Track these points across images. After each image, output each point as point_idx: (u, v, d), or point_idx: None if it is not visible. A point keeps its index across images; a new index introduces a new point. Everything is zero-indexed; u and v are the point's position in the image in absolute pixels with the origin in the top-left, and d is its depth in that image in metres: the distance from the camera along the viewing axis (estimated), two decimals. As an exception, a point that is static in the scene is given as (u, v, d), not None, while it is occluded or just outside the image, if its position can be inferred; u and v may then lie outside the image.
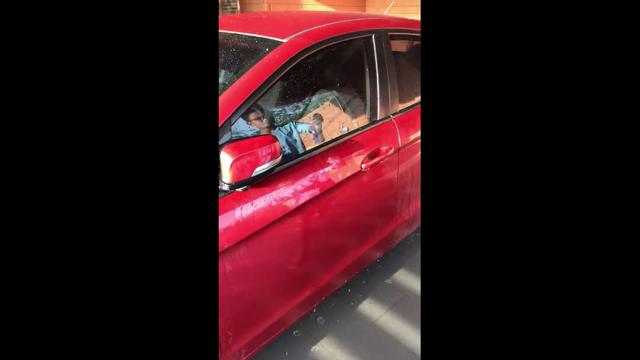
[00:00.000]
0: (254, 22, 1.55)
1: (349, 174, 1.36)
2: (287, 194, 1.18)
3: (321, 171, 1.29)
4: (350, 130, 1.47)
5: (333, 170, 1.32)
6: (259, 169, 1.06)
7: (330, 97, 1.55)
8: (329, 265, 1.46)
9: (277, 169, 1.19)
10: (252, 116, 1.36)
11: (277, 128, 1.43)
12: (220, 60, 1.28)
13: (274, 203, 1.15)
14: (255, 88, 1.14)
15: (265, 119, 1.40)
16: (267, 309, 1.28)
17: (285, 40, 1.28)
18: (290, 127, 1.47)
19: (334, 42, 1.39)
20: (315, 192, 1.26)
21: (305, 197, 1.23)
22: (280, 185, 1.18)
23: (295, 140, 1.42)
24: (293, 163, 1.24)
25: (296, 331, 1.60)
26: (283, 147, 1.36)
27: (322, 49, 1.36)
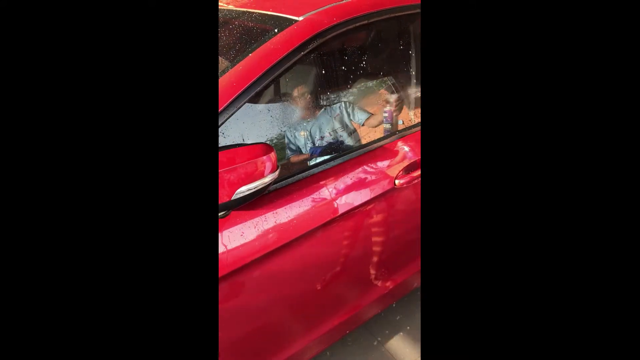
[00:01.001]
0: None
1: (377, 193, 1.05)
2: (288, 217, 0.92)
3: (336, 190, 1.00)
4: (401, 127, 1.15)
5: (354, 190, 1.02)
6: (243, 190, 0.80)
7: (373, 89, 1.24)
8: (350, 298, 1.18)
9: (275, 186, 0.92)
10: (295, 92, 1.11)
11: (324, 109, 1.15)
12: (220, 44, 1.03)
13: (270, 229, 0.89)
14: (252, 81, 0.87)
15: (310, 96, 1.12)
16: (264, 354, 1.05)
17: (300, 18, 0.99)
18: (341, 109, 1.17)
19: (368, 21, 1.07)
20: (329, 214, 0.98)
21: (315, 221, 0.95)
22: (280, 206, 0.91)
23: (346, 130, 1.14)
24: (299, 178, 0.96)
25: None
26: (325, 136, 1.09)
27: (350, 29, 1.05)
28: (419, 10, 1.17)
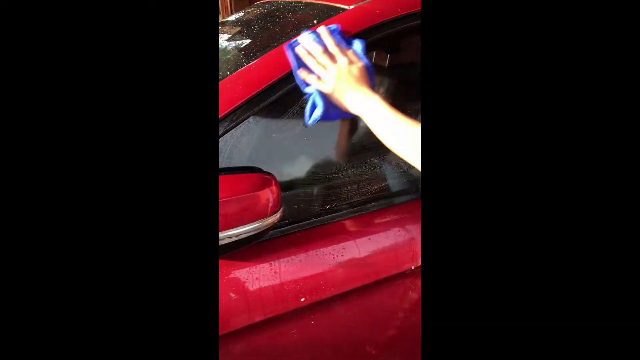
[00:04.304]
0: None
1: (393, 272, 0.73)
2: (294, 276, 0.66)
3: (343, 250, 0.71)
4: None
5: (366, 255, 0.72)
6: (230, 234, 0.57)
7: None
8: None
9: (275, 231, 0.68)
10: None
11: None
12: (249, 39, 0.83)
13: (270, 288, 0.65)
14: (267, 84, 0.65)
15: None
16: None
17: (350, 7, 0.74)
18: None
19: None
20: (331, 289, 0.69)
21: (333, 286, 0.68)
22: (281, 257, 0.66)
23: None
24: (314, 224, 0.70)
25: None
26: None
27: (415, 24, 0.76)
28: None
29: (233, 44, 0.86)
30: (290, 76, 0.65)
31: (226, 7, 3.45)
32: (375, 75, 0.69)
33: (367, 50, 0.69)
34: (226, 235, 0.56)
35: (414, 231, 0.74)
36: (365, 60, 0.66)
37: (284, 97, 0.66)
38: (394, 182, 0.79)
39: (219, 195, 0.54)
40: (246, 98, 0.64)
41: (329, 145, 0.76)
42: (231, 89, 0.64)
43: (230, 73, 0.67)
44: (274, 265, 0.65)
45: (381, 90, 0.85)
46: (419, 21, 0.76)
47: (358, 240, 0.71)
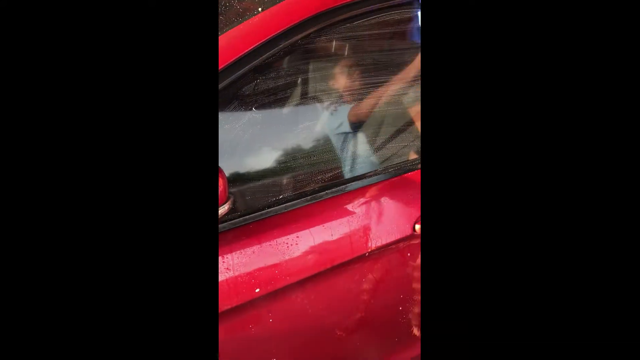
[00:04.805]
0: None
1: (387, 241, 0.75)
2: (247, 267, 0.66)
3: (325, 233, 0.72)
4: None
5: (349, 235, 0.73)
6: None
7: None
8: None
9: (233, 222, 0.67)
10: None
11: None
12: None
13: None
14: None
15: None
16: None
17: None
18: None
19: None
20: (309, 267, 0.70)
21: (290, 275, 0.68)
22: (229, 251, 0.66)
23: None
24: (262, 216, 0.69)
25: None
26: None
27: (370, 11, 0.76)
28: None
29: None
30: (231, 67, 0.64)
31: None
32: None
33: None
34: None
35: (367, 216, 0.75)
36: None
37: (227, 88, 0.65)
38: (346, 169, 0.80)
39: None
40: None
41: (278, 136, 0.76)
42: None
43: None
44: (226, 258, 0.64)
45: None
46: (373, 6, 0.76)
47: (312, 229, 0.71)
